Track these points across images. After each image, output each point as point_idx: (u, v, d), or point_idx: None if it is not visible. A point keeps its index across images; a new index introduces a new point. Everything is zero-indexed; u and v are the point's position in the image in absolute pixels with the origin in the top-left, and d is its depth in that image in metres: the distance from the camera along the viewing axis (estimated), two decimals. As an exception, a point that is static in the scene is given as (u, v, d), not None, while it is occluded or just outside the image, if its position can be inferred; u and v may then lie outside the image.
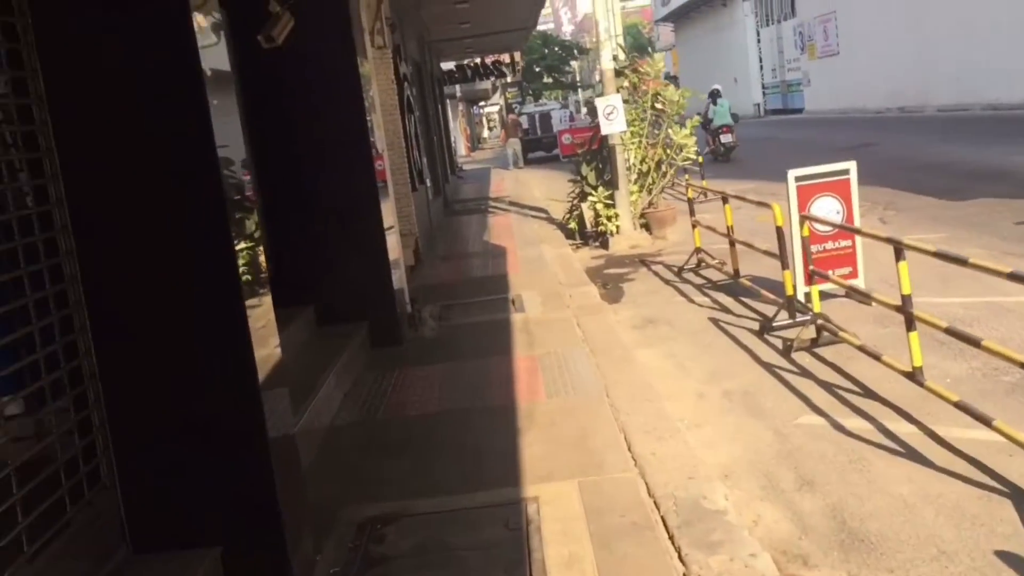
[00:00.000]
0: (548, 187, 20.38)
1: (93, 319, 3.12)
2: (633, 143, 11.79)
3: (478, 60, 25.93)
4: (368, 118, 7.03)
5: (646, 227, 11.80)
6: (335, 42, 6.79)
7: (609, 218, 11.48)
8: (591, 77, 67.54)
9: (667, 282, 9.04)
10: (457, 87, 32.83)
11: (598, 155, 12.08)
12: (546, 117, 31.13)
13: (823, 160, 7.39)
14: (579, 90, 56.49)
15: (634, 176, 11.87)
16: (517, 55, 26.74)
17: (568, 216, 12.74)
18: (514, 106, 50.43)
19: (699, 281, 8.80)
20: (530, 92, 51.95)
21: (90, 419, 3.14)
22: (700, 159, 12.84)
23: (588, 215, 11.87)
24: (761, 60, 41.71)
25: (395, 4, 11.30)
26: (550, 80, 55.17)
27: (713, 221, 9.38)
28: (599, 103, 11.24)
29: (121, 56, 3.02)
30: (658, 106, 11.91)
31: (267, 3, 6.25)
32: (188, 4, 2.99)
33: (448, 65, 26.68)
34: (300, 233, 6.87)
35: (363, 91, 6.91)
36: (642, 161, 11.91)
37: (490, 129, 57.45)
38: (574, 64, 58.47)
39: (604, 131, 11.36)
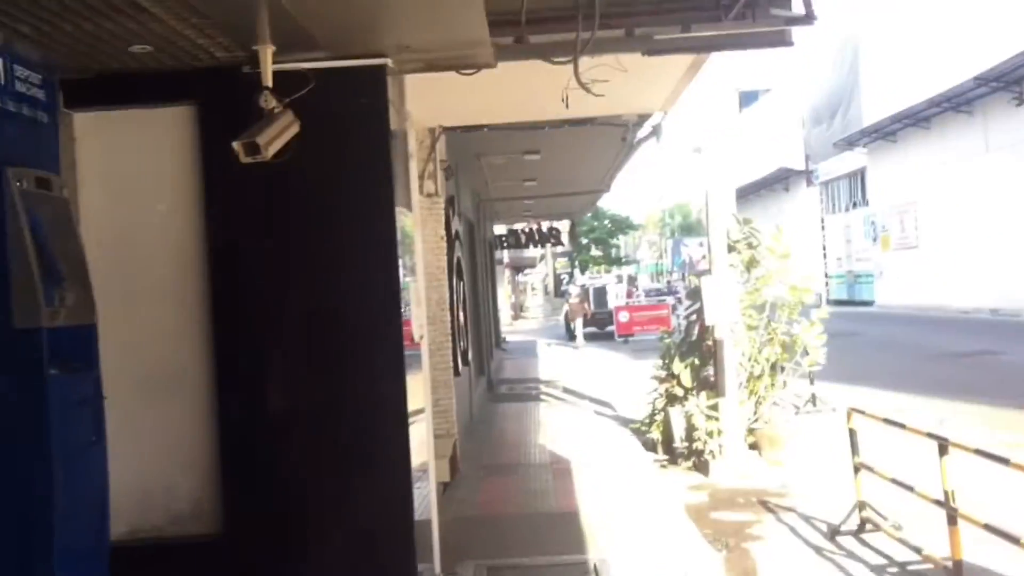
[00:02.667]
0: (607, 370, 17.72)
1: None
2: (751, 337, 9.17)
3: (534, 225, 23.89)
4: (404, 280, 4.53)
5: (754, 447, 9.00)
6: (367, 182, 4.34)
7: (711, 433, 8.67)
8: (636, 252, 66.64)
9: (819, 551, 6.12)
10: (506, 253, 30.86)
11: (697, 348, 9.42)
12: (601, 292, 28.66)
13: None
14: (623, 264, 54.86)
15: (744, 378, 9.17)
16: (565, 224, 24.49)
17: (649, 422, 9.93)
18: (563, 277, 48.44)
19: (874, 559, 5.87)
20: (576, 264, 50.23)
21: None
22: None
23: (678, 424, 9.09)
24: (824, 248, 39.65)
25: (453, 147, 9.10)
26: (599, 253, 53.65)
27: (832, 443, 6.53)
28: (706, 283, 8.71)
29: None
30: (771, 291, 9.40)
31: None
32: None
33: (500, 229, 24.72)
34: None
35: (398, 249, 4.41)
36: (751, 360, 9.24)
37: (533, 296, 55.48)
38: (621, 238, 57.08)
39: (710, 320, 8.76)
